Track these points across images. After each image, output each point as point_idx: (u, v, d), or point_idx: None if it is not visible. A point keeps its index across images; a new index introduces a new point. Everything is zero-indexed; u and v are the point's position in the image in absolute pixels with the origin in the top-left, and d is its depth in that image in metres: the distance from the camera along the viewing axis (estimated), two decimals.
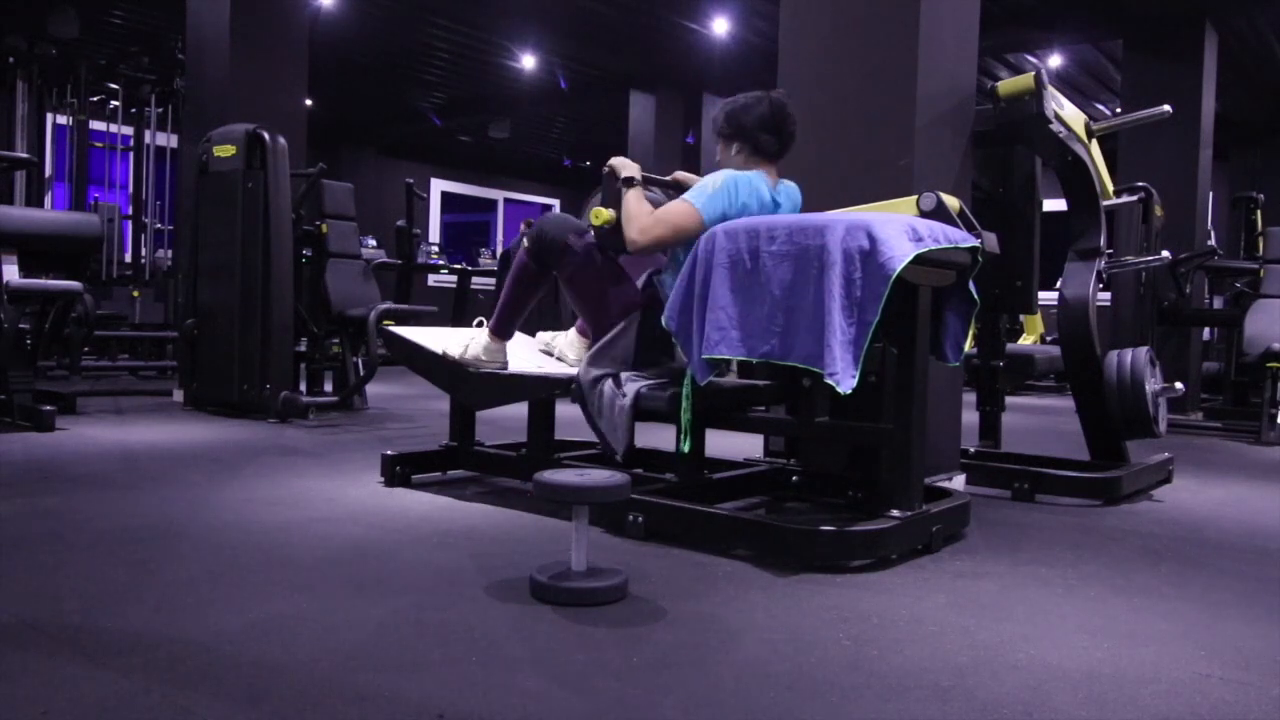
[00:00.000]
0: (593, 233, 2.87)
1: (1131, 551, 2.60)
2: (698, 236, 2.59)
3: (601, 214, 2.80)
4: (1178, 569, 2.41)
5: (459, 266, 9.11)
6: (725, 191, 2.70)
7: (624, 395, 2.71)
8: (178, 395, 5.62)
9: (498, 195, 15.62)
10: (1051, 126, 3.26)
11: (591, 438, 3.71)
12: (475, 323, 3.23)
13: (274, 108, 5.75)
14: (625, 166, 2.85)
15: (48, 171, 8.43)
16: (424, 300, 8.83)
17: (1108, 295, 6.77)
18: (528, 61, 9.75)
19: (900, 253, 2.23)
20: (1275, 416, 5.42)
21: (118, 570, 2.10)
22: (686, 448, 2.63)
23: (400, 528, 2.60)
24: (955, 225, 2.58)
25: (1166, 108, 3.65)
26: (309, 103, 6.58)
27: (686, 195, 2.74)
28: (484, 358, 3.08)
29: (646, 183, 2.93)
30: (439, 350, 3.15)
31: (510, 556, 2.32)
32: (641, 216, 2.73)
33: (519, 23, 8.71)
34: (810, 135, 3.32)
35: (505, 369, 3.10)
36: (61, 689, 1.43)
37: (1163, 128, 5.43)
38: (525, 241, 3.04)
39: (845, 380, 2.20)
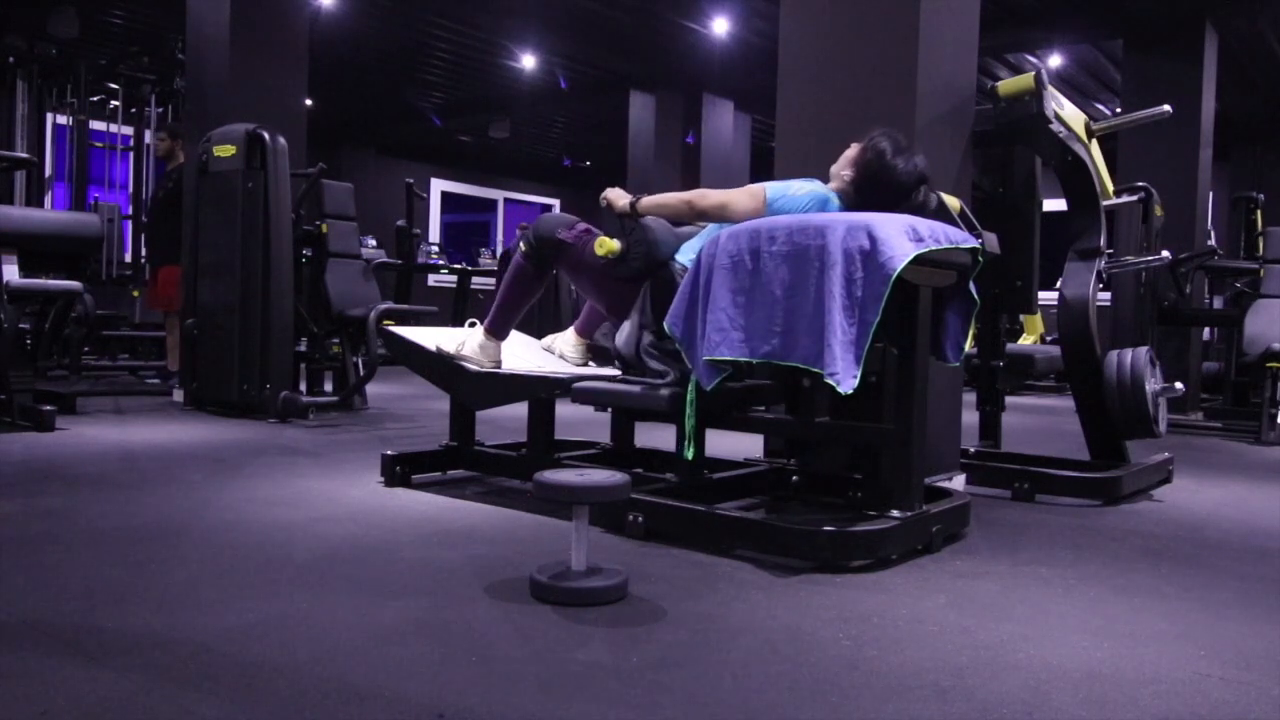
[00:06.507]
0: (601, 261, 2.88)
1: (1131, 551, 2.60)
2: (749, 219, 2.65)
3: (606, 244, 2.81)
4: (1178, 569, 2.41)
5: (459, 266, 9.08)
6: (812, 199, 2.67)
7: (663, 381, 2.73)
8: (178, 395, 5.62)
9: (498, 195, 15.62)
10: (1051, 126, 3.26)
11: (591, 437, 3.73)
12: (468, 324, 3.23)
13: (274, 108, 5.74)
14: (619, 196, 2.88)
15: (48, 171, 8.41)
16: (424, 300, 8.82)
17: (1108, 295, 6.77)
18: (528, 61, 9.75)
19: (901, 253, 2.23)
20: (1275, 416, 5.42)
21: (118, 570, 2.10)
22: (690, 454, 2.62)
23: (400, 528, 2.60)
24: (956, 225, 2.58)
25: (1166, 108, 3.65)
26: (309, 103, 6.58)
27: (764, 184, 2.75)
28: (479, 356, 3.08)
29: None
30: (433, 347, 3.15)
31: (510, 556, 2.32)
32: (685, 193, 2.80)
33: (519, 23, 8.70)
34: (810, 135, 3.33)
35: (499, 368, 3.10)
36: (61, 689, 1.43)
37: (1163, 128, 5.43)
38: (522, 244, 3.05)
39: (846, 380, 2.20)
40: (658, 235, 2.78)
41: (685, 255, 2.78)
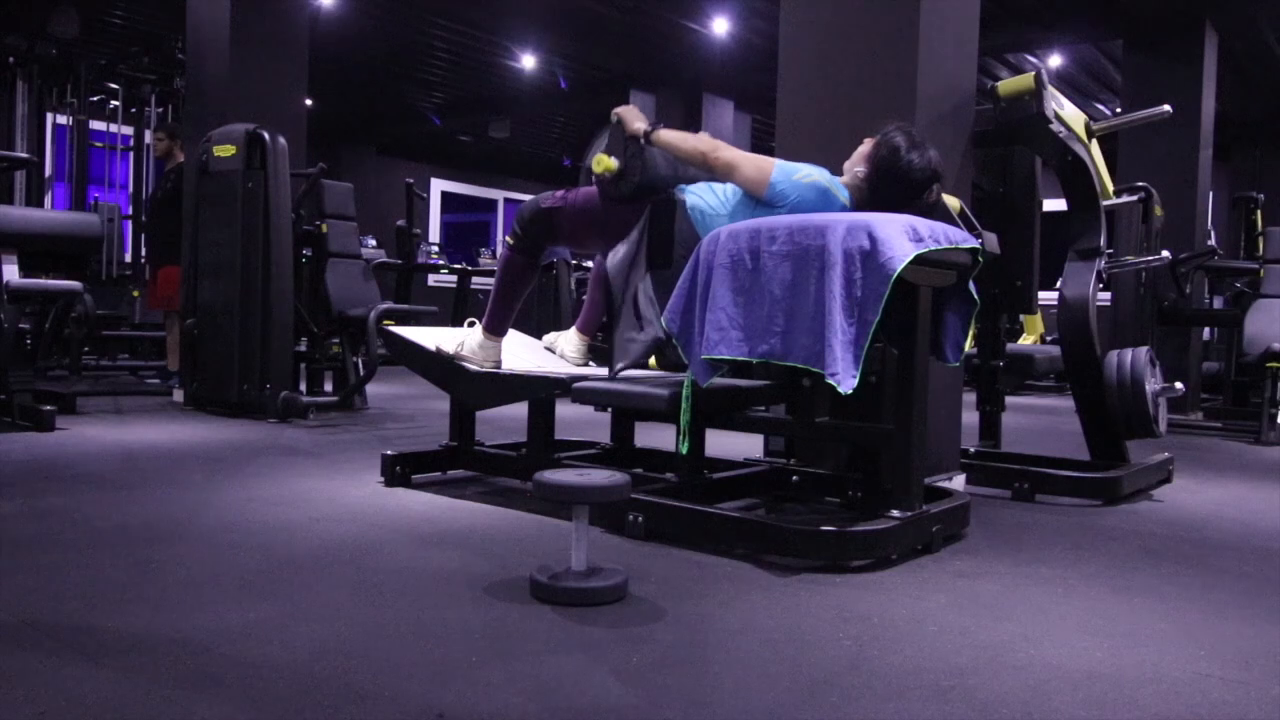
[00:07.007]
0: (595, 180, 2.85)
1: (1131, 551, 2.60)
2: (749, 190, 2.67)
3: (603, 161, 2.77)
4: (1178, 569, 2.41)
5: (459, 266, 9.08)
6: (812, 189, 2.65)
7: (642, 333, 2.71)
8: (178, 395, 5.62)
9: (498, 195, 15.62)
10: (1051, 126, 3.26)
11: (591, 437, 3.73)
12: (467, 323, 3.23)
13: (274, 108, 5.74)
14: (635, 118, 2.82)
15: (48, 171, 8.42)
16: (424, 300, 8.81)
17: (1108, 295, 6.76)
18: (528, 61, 9.75)
19: (901, 253, 2.23)
20: (1275, 416, 5.42)
21: (118, 570, 2.10)
22: (685, 449, 2.63)
23: (400, 527, 2.60)
24: (956, 225, 2.58)
25: (1166, 108, 3.64)
26: (309, 103, 6.58)
27: (776, 160, 2.73)
28: (479, 355, 3.08)
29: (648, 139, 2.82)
30: (433, 347, 3.15)
31: (510, 556, 2.32)
32: (702, 140, 2.76)
33: (519, 23, 8.71)
34: (810, 135, 3.32)
35: (499, 367, 3.10)
36: (61, 689, 1.43)
37: (1163, 128, 5.43)
38: (509, 238, 3.06)
39: (845, 380, 2.20)
40: (657, 158, 2.79)
41: (694, 197, 2.77)
